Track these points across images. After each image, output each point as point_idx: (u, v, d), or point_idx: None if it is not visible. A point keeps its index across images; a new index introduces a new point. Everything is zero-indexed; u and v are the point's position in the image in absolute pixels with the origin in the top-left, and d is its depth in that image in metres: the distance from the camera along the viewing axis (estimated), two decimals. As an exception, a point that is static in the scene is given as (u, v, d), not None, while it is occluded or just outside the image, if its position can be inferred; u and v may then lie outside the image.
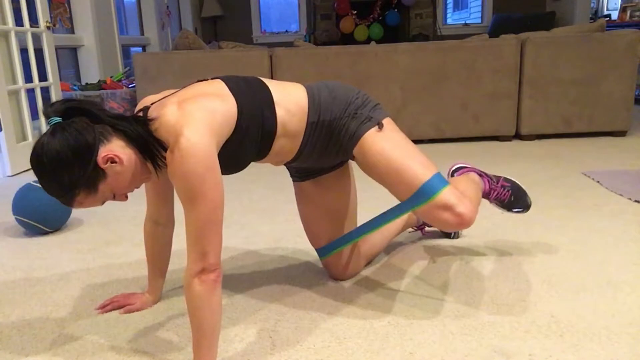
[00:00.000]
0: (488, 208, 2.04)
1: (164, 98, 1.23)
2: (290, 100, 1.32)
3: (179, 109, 1.14)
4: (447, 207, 1.26)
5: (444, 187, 1.28)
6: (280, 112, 1.29)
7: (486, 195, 1.66)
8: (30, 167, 1.11)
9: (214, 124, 1.14)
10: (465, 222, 1.27)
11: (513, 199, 1.68)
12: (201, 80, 1.30)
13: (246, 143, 1.26)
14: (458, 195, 1.28)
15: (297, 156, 1.39)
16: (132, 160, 1.16)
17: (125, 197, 1.20)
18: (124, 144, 1.15)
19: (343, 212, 1.55)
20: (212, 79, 1.30)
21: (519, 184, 1.72)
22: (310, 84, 1.41)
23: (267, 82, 1.34)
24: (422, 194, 1.27)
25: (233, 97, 1.23)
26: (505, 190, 1.67)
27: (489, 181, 1.66)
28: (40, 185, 1.17)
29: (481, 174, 1.67)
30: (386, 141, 1.33)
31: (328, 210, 1.53)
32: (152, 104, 1.23)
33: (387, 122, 1.37)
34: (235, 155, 1.27)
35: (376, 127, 1.34)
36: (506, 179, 1.71)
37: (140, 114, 1.21)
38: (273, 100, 1.29)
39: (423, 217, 1.33)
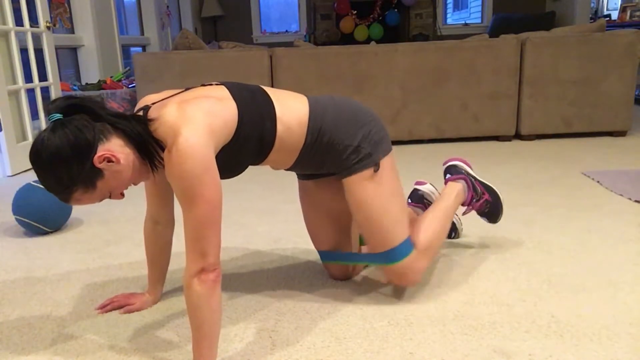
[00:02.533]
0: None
1: (165, 99, 1.23)
2: (292, 117, 1.31)
3: (178, 109, 1.14)
4: (399, 275, 1.42)
5: (406, 256, 1.39)
6: (280, 127, 1.29)
7: (463, 204, 1.71)
8: (30, 167, 1.11)
9: (213, 127, 1.14)
10: (407, 285, 1.49)
11: (487, 211, 1.76)
12: (205, 85, 1.30)
13: (243, 151, 1.27)
14: (412, 264, 1.40)
15: (292, 167, 1.41)
16: (130, 160, 1.16)
17: (121, 196, 1.19)
18: (123, 142, 1.15)
19: (344, 216, 1.54)
20: (217, 84, 1.29)
21: (502, 202, 1.74)
22: (317, 99, 1.38)
23: (271, 93, 1.32)
24: (386, 257, 1.40)
25: (235, 104, 1.23)
26: (484, 204, 1.73)
27: (472, 197, 1.71)
28: (39, 184, 1.17)
29: (469, 186, 1.70)
30: (374, 189, 1.36)
31: (329, 212, 1.53)
32: (152, 103, 1.23)
33: (385, 162, 1.37)
34: (232, 161, 1.27)
35: (371, 169, 1.35)
36: (491, 194, 1.73)
37: (141, 113, 1.21)
38: (276, 114, 1.29)
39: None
